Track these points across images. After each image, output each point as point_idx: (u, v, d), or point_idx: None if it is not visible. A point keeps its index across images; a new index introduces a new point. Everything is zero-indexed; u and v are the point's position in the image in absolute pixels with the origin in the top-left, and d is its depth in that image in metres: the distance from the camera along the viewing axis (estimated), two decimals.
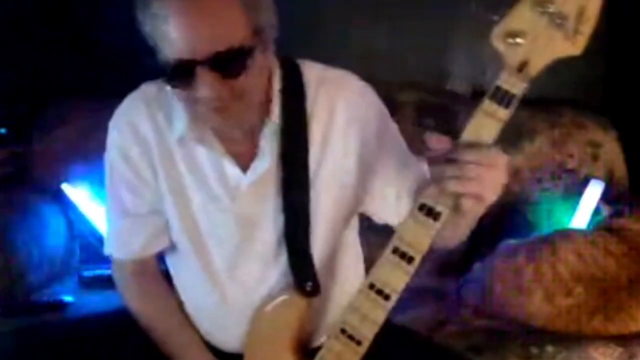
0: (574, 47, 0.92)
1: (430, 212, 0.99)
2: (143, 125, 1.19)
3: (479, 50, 2.31)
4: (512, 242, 1.91)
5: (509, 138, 2.17)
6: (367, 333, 1.06)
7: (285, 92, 1.15)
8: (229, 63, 1.00)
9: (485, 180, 0.93)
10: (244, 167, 1.17)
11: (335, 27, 2.36)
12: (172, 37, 0.99)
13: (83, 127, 2.20)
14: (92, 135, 2.17)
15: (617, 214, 1.95)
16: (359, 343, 1.06)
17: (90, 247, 2.16)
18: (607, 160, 2.21)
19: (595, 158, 2.20)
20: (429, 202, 0.99)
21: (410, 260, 1.01)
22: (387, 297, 1.03)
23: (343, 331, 1.07)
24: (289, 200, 1.16)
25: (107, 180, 1.27)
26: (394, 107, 2.15)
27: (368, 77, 1.24)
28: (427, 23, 2.36)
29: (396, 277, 1.02)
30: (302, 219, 1.17)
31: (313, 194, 1.17)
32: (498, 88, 0.94)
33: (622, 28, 2.22)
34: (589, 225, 2.04)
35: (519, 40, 0.93)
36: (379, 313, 1.04)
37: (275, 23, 1.08)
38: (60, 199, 2.16)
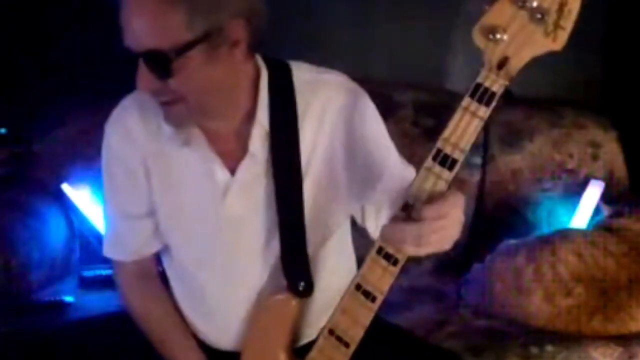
0: (555, 42, 0.89)
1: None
2: (136, 127, 1.20)
3: (478, 50, 2.31)
4: (512, 242, 1.91)
5: (509, 138, 2.18)
6: (355, 335, 1.05)
7: (274, 94, 1.14)
8: (154, 63, 1.02)
9: (446, 229, 0.94)
10: (233, 169, 1.17)
11: (335, 27, 2.36)
12: (122, 23, 1.03)
13: (83, 127, 2.20)
14: (92, 135, 2.16)
15: (617, 214, 1.95)
16: (347, 345, 1.06)
17: (90, 247, 2.15)
18: (607, 160, 2.21)
19: (595, 158, 2.20)
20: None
21: (395, 262, 0.99)
22: (373, 299, 1.02)
23: (331, 332, 1.07)
24: (282, 203, 1.16)
25: (103, 183, 1.27)
26: (392, 107, 2.18)
27: (367, 77, 1.23)
28: (427, 23, 2.36)
29: (381, 279, 1.01)
30: (297, 221, 1.16)
31: (305, 195, 1.16)
32: (478, 85, 0.92)
33: (621, 28, 2.22)
34: (589, 225, 2.04)
35: (499, 36, 0.90)
36: (366, 314, 1.03)
37: (254, 25, 1.05)
38: (60, 199, 2.15)
